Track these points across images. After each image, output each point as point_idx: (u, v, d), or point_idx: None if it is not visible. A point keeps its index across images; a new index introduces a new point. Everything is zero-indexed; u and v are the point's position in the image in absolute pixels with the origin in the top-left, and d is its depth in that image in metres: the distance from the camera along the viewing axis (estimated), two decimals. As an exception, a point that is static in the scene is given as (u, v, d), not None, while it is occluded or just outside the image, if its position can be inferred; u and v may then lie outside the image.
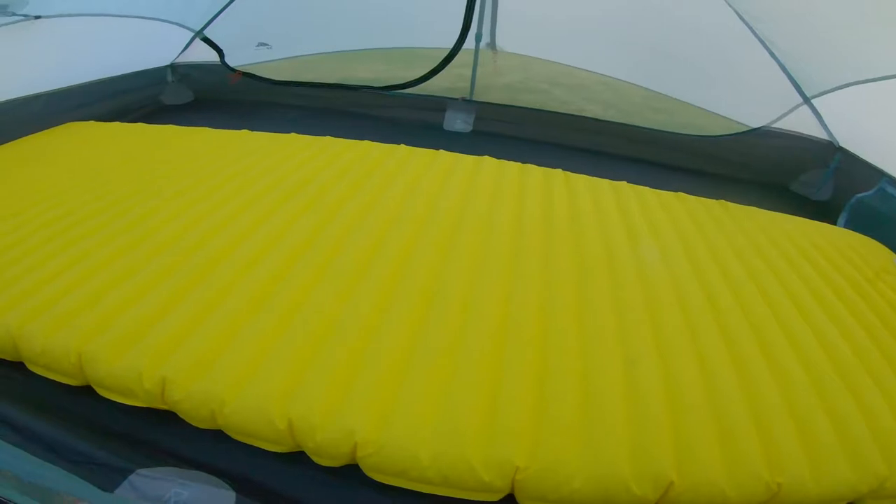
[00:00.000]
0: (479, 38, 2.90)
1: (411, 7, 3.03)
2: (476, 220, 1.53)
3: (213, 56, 3.19)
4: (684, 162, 2.61)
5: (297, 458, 0.96)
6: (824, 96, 2.27)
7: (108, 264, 1.27)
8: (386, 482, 0.90)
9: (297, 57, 3.42)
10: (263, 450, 0.95)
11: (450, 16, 2.77)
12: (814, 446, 0.94)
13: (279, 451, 0.95)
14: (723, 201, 1.85)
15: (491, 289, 1.25)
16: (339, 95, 3.07)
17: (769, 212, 1.85)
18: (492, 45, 3.39)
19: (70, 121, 2.48)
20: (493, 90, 3.11)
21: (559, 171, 1.92)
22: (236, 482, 0.92)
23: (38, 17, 2.21)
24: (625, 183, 1.88)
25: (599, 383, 1.01)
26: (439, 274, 1.29)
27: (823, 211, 2.28)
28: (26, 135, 2.28)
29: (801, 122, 2.42)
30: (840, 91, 2.17)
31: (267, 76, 3.18)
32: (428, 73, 2.83)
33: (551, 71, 3.63)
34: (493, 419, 0.92)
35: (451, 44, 2.80)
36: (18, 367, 1.12)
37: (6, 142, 2.19)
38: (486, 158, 1.98)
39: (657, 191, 1.86)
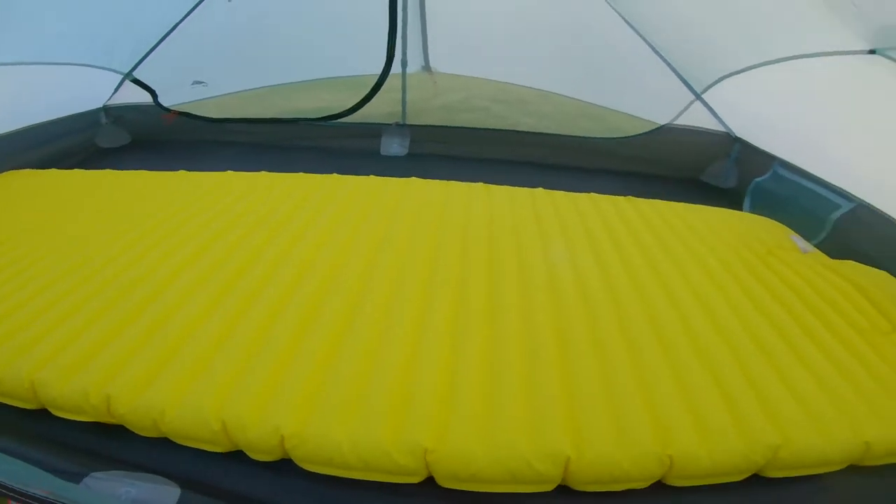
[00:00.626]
0: (404, 63, 3.05)
1: (344, 36, 3.15)
2: (399, 235, 1.65)
3: (147, 97, 3.21)
4: (607, 164, 2.81)
5: (237, 457, 1.05)
6: (714, 90, 2.50)
7: (56, 302, 1.36)
8: (317, 471, 1.00)
9: (234, 93, 3.46)
10: (206, 451, 1.05)
11: (379, 43, 2.88)
12: (704, 420, 1.02)
13: (219, 450, 1.04)
14: (630, 197, 2.02)
15: (408, 295, 1.38)
16: (277, 129, 3.15)
17: (672, 203, 2.02)
18: (426, 67, 3.55)
19: (4, 169, 2.47)
20: (431, 112, 3.25)
21: (480, 184, 2.06)
22: (183, 482, 1.01)
23: None
24: (540, 189, 2.03)
25: (503, 374, 1.14)
26: (361, 287, 1.41)
27: (732, 198, 2.51)
28: None
29: (704, 117, 2.66)
30: (724, 83, 2.41)
31: (204, 114, 3.22)
32: (359, 101, 2.94)
33: (492, 89, 3.81)
34: (406, 408, 1.04)
35: (379, 70, 2.91)
36: None
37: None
38: (412, 179, 2.10)
39: (570, 193, 2.02)
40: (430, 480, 1.00)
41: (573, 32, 2.92)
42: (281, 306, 1.32)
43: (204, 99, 3.30)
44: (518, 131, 2.97)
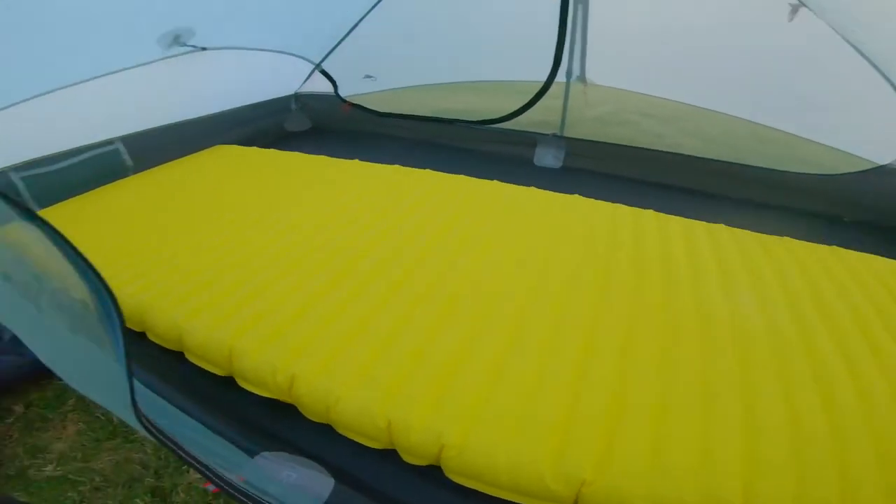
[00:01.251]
0: (570, 72, 2.97)
1: (502, 39, 3.17)
2: (568, 253, 1.62)
3: (328, 87, 3.60)
4: (795, 202, 2.41)
5: (388, 456, 1.10)
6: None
7: (254, 275, 1.55)
8: (464, 484, 1.02)
9: (398, 89, 3.73)
10: (361, 446, 1.11)
11: (541, 49, 2.87)
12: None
13: (375, 447, 1.10)
14: (835, 248, 1.72)
15: (577, 317, 1.34)
16: (436, 128, 3.30)
17: (890, 260, 1.69)
18: (581, 77, 3.45)
19: (217, 143, 2.98)
20: (583, 124, 3.15)
21: (650, 211, 1.93)
22: (336, 471, 1.09)
23: (204, 49, 2.66)
24: (722, 226, 1.84)
25: (676, 413, 1.06)
26: (530, 303, 1.40)
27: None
28: (184, 154, 2.79)
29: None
30: None
31: (372, 107, 3.52)
32: (520, 108, 2.95)
33: (642, 102, 3.58)
34: (569, 434, 1.01)
35: (541, 77, 2.90)
36: (178, 356, 1.39)
37: (170, 160, 2.71)
38: (576, 197, 2.05)
39: (759, 235, 1.79)
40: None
41: (766, 50, 2.59)
42: (451, 312, 1.36)
43: (372, 92, 3.60)
44: (682, 154, 2.73)
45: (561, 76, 2.93)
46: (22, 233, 0.74)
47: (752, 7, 2.49)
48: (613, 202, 2.02)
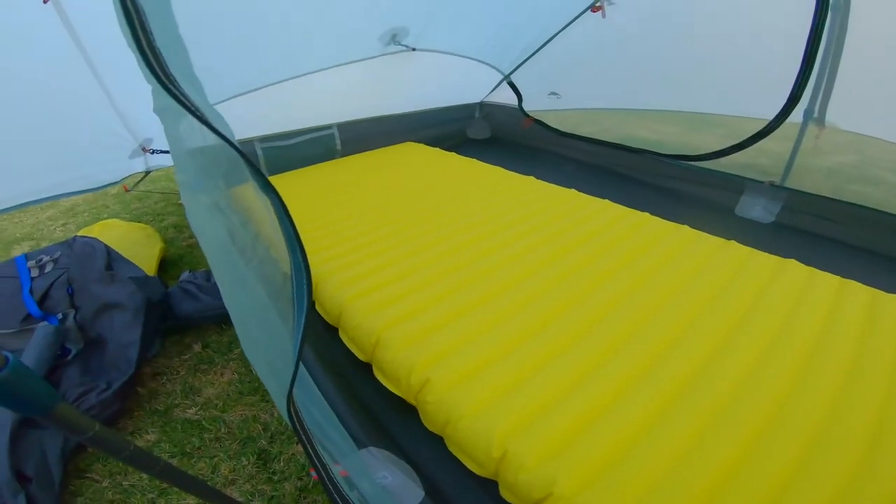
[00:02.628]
0: (809, 112, 2.44)
1: (712, 65, 2.77)
2: (762, 333, 1.28)
3: (512, 99, 3.62)
4: None
5: (488, 487, 1.03)
6: None
7: (418, 270, 1.59)
8: None
9: (582, 109, 3.58)
10: (466, 470, 1.05)
11: (766, 78, 2.41)
12: None
13: (479, 473, 1.03)
14: None
15: (755, 405, 1.08)
16: (619, 155, 3.05)
17: None
18: (819, 119, 2.82)
19: (408, 140, 3.24)
20: (810, 174, 2.57)
21: (894, 296, 1.45)
22: (430, 486, 1.06)
23: (414, 49, 2.89)
24: None
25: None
26: (700, 372, 1.16)
27: None
28: (381, 145, 3.11)
29: None
30: None
31: (553, 125, 3.42)
32: (729, 147, 2.52)
33: None
34: None
35: (756, 112, 2.43)
36: (334, 332, 1.48)
37: (369, 149, 3.03)
38: (793, 262, 1.65)
39: None
40: None
41: None
42: (604, 359, 1.21)
43: (554, 110, 3.50)
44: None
45: (796, 116, 2.42)
46: (253, 196, 0.84)
47: None
48: (840, 276, 1.56)
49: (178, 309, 1.78)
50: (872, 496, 0.88)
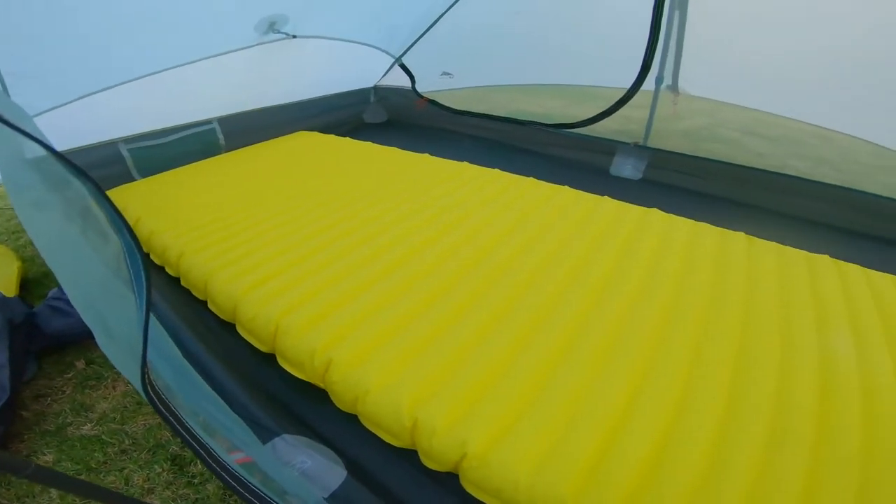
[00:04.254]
0: (660, 79, 2.75)
1: (588, 43, 3.01)
2: (632, 279, 1.46)
3: (407, 81, 3.64)
4: None
5: (408, 456, 1.07)
6: None
7: (313, 255, 1.57)
8: (479, 497, 0.96)
9: (474, 87, 3.70)
10: (383, 442, 1.08)
11: (628, 53, 2.68)
12: None
13: (396, 445, 1.06)
14: None
15: (636, 341, 1.21)
16: (509, 129, 3.22)
17: None
18: (673, 86, 3.19)
19: (300, 129, 3.12)
20: (670, 136, 2.92)
21: (741, 234, 1.72)
22: (351, 464, 1.08)
23: (294, 37, 2.78)
24: (826, 257, 1.60)
25: (731, 458, 0.93)
26: (586, 321, 1.29)
27: None
28: (270, 137, 2.95)
29: None
30: None
31: (447, 104, 3.51)
32: (599, 114, 2.79)
33: (746, 118, 3.25)
34: (602, 468, 0.92)
35: (626, 84, 2.71)
36: (231, 329, 1.43)
37: (257, 141, 2.87)
38: (654, 211, 1.88)
39: (868, 270, 1.53)
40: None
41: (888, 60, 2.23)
42: (500, 320, 1.29)
43: (449, 90, 3.59)
44: (785, 175, 2.43)
45: (649, 84, 2.72)
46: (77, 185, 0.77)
47: (890, 12, 2.16)
48: (694, 220, 1.82)
49: (48, 327, 1.61)
50: (746, 414, 1.03)
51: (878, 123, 2.35)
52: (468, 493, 0.97)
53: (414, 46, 3.54)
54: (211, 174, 2.37)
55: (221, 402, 1.16)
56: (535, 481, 0.89)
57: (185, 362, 1.21)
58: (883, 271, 1.54)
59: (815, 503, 0.86)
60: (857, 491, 0.88)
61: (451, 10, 3.29)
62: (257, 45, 2.66)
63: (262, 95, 3.01)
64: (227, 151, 2.80)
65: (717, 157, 2.60)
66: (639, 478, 0.90)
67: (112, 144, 2.44)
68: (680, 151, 2.69)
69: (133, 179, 2.47)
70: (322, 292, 1.39)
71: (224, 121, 2.83)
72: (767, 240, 1.70)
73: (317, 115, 3.34)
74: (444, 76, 3.62)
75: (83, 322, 1.61)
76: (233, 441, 0.97)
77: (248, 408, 1.21)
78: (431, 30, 3.43)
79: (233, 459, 0.86)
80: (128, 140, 2.49)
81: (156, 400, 0.68)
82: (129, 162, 2.50)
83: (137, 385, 0.66)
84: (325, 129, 3.19)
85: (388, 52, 3.54)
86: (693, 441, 0.96)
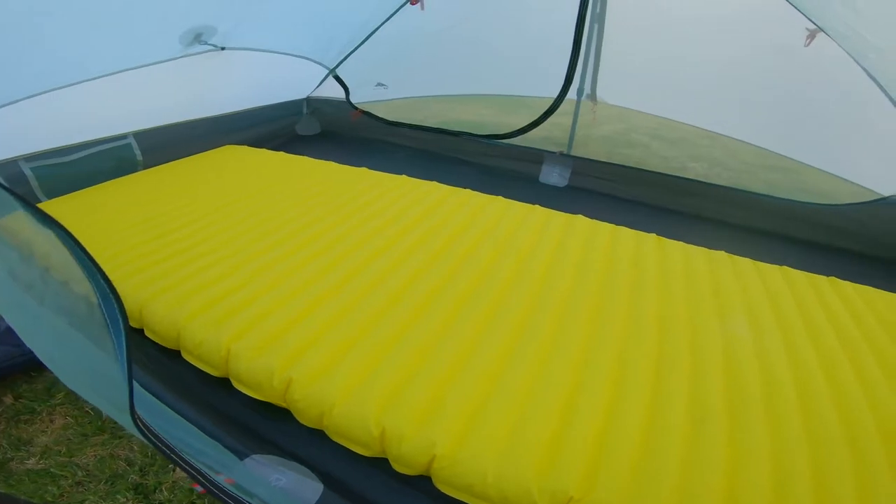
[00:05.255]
0: (581, 90, 2.99)
1: (519, 53, 3.16)
2: (566, 273, 1.63)
3: (339, 93, 3.64)
4: (798, 232, 2.41)
5: (379, 464, 1.11)
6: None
7: (257, 276, 1.56)
8: (453, 495, 1.02)
9: (410, 98, 3.78)
10: (353, 453, 1.11)
11: (555, 63, 2.86)
12: None
13: (367, 455, 1.10)
14: (833, 278, 1.73)
15: (573, 336, 1.35)
16: (443, 139, 3.32)
17: (891, 294, 1.69)
18: (591, 96, 3.48)
19: (228, 142, 3.01)
20: (591, 143, 3.18)
21: (653, 235, 1.94)
22: (325, 477, 1.10)
23: (223, 49, 2.69)
24: (722, 253, 1.85)
25: (664, 435, 1.07)
26: (527, 320, 1.41)
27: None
28: (195, 152, 2.81)
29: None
30: None
31: (382, 115, 3.55)
32: (528, 125, 2.97)
33: (652, 123, 3.62)
34: (558, 451, 1.02)
35: (554, 93, 2.89)
36: (174, 354, 1.39)
37: (181, 157, 2.73)
38: (580, 218, 2.06)
39: (758, 263, 1.80)
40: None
41: (766, 72, 2.60)
42: (450, 325, 1.37)
43: (383, 101, 3.64)
44: (686, 178, 2.73)
45: (572, 94, 2.94)
46: (29, 227, 0.76)
47: (768, 33, 2.49)
48: (616, 224, 2.03)
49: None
50: (671, 394, 1.18)
51: (759, 127, 2.71)
52: (442, 493, 1.03)
53: (350, 58, 3.54)
54: (131, 192, 2.23)
55: (191, 426, 1.15)
56: (500, 472, 0.98)
57: (144, 391, 1.18)
58: (769, 263, 1.81)
59: (738, 467, 1.01)
60: (769, 452, 1.05)
61: (388, 22, 3.33)
62: (182, 56, 2.55)
63: (186, 109, 2.87)
64: (146, 168, 2.64)
65: (630, 164, 2.87)
66: (590, 457, 1.01)
67: (12, 163, 2.22)
68: (599, 159, 2.93)
69: (39, 201, 2.26)
70: (273, 313, 1.39)
71: (142, 135, 2.66)
72: (664, 235, 1.94)
73: (246, 129, 3.24)
74: (379, 87, 3.65)
75: (8, 356, 1.51)
76: (211, 465, 0.97)
77: (212, 434, 1.19)
78: (367, 42, 3.44)
79: (223, 479, 0.87)
80: (30, 158, 2.28)
81: (149, 434, 0.69)
82: (34, 182, 2.29)
83: (126, 421, 0.67)
84: (256, 143, 3.11)
85: (321, 64, 3.52)
86: (631, 421, 1.10)
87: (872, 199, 2.29)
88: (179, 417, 1.17)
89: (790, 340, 1.40)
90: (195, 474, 0.81)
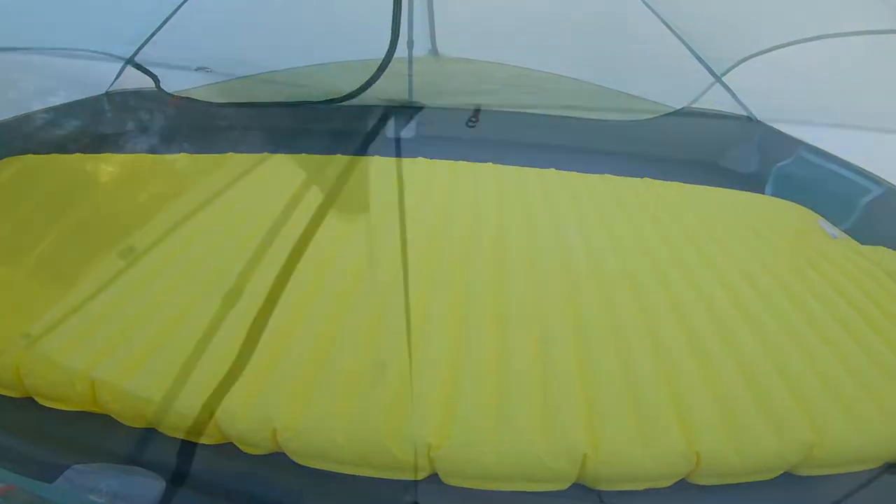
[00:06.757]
0: (410, 44, 2.98)
1: (350, 20, 3.06)
2: (405, 216, 1.58)
3: (151, 83, 3.16)
4: (620, 147, 2.69)
5: (227, 449, 1.02)
6: (736, 72, 2.39)
7: (54, 281, 1.34)
8: (312, 466, 0.96)
9: (239, 77, 3.41)
10: (196, 443, 1.01)
11: (385, 26, 2.79)
12: (733, 415, 0.96)
13: (209, 442, 1.01)
14: (646, 178, 1.93)
15: (411, 280, 1.31)
16: (284, 114, 3.12)
17: (692, 185, 1.93)
18: (433, 51, 3.47)
19: (3, 156, 2.44)
20: (438, 95, 3.17)
21: (488, 164, 1.98)
22: (167, 473, 0.98)
23: None
24: (552, 170, 1.96)
25: (514, 365, 1.07)
26: (359, 272, 1.35)
27: (753, 183, 2.40)
28: None
29: (725, 101, 2.55)
30: (746, 66, 2.30)
31: (208, 99, 3.16)
32: (363, 84, 2.86)
33: (503, 73, 3.73)
34: (408, 402, 0.98)
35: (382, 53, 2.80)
36: None
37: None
38: (419, 160, 2.04)
39: (583, 174, 1.94)
40: (434, 477, 0.95)
41: (584, 15, 2.83)
42: (273, 295, 1.27)
43: (210, 84, 3.24)
44: (525, 113, 2.89)
45: (403, 51, 2.87)
46: None
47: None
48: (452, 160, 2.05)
49: None
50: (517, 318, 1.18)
51: (576, 62, 2.94)
52: (300, 466, 0.96)
53: (151, 43, 3.06)
54: None
55: None
56: (352, 433, 0.92)
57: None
58: (596, 173, 1.95)
59: (586, 375, 1.03)
60: (615, 352, 1.08)
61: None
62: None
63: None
64: None
65: (467, 107, 2.92)
66: (443, 401, 0.98)
67: None
68: (445, 106, 2.94)
69: None
70: (69, 318, 1.20)
71: None
72: (511, 165, 2.00)
73: (29, 136, 2.67)
74: (200, 71, 3.24)
75: None
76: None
77: (24, 453, 1.02)
78: (176, 24, 3.00)
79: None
80: None
81: None
82: None
83: None
84: (52, 150, 2.58)
85: (111, 55, 3.01)
86: (479, 356, 1.09)
87: (668, 111, 2.65)
88: None
89: (616, 237, 1.50)
90: None
